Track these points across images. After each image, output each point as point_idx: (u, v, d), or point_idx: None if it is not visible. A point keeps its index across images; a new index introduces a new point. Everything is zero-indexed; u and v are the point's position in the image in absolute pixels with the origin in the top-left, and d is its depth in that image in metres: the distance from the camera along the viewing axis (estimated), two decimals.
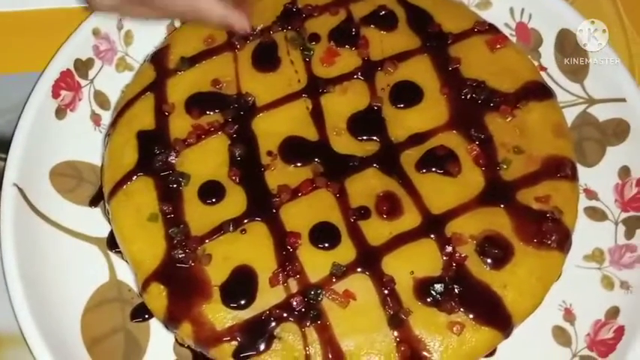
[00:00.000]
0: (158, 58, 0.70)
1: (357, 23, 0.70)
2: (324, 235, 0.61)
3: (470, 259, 0.61)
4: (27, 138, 0.68)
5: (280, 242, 0.61)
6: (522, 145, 0.66)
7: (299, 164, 0.65)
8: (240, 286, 0.60)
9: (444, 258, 0.61)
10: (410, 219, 0.62)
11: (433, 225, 0.62)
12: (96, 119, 0.72)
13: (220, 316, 0.60)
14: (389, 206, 0.63)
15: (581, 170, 0.68)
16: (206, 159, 0.65)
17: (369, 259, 0.61)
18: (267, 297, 0.60)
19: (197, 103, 0.67)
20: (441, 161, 0.64)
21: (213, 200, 0.63)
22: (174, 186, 0.64)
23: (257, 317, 0.59)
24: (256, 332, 0.59)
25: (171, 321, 0.61)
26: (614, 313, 0.65)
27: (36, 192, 0.68)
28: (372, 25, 0.70)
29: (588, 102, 0.72)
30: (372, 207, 0.63)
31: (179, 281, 0.61)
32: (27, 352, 0.62)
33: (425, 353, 0.59)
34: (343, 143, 0.65)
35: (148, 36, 0.74)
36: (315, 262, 0.61)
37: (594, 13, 0.75)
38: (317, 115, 0.67)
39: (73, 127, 0.71)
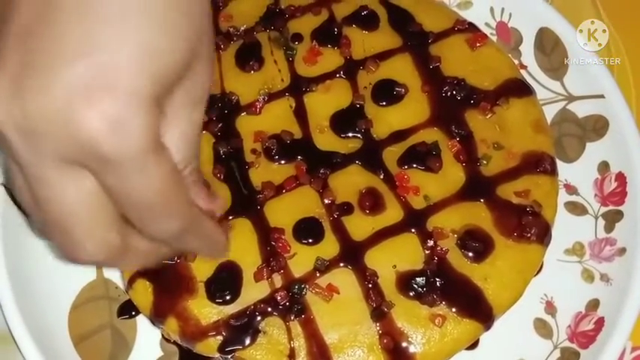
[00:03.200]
0: None
1: (339, 23, 0.71)
2: (307, 230, 0.62)
3: (451, 252, 0.62)
4: None
5: (264, 238, 0.62)
6: (502, 141, 0.67)
7: (283, 162, 0.65)
8: (225, 281, 0.61)
9: (426, 252, 0.62)
10: (392, 214, 0.63)
11: (415, 220, 0.63)
12: None
13: (205, 311, 0.60)
14: (372, 202, 0.63)
15: (562, 166, 0.69)
16: None
17: (352, 253, 0.62)
18: (252, 292, 0.61)
19: None
20: (423, 157, 0.65)
21: None
22: None
23: (242, 312, 0.60)
24: (241, 327, 0.60)
25: (157, 316, 0.61)
26: (594, 305, 0.65)
27: None
28: (353, 25, 0.71)
29: (568, 99, 0.73)
30: (355, 203, 0.63)
31: (165, 277, 0.61)
32: (15, 349, 0.63)
33: (407, 345, 0.60)
34: (326, 140, 0.66)
35: None
36: (299, 257, 0.61)
37: (574, 12, 0.77)
38: (300, 114, 0.67)
39: None
